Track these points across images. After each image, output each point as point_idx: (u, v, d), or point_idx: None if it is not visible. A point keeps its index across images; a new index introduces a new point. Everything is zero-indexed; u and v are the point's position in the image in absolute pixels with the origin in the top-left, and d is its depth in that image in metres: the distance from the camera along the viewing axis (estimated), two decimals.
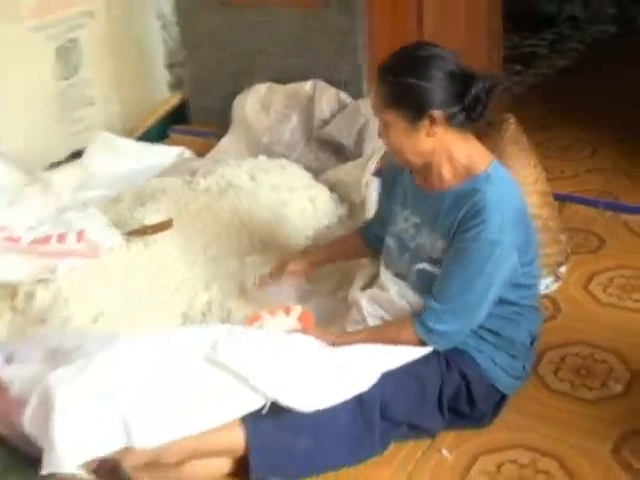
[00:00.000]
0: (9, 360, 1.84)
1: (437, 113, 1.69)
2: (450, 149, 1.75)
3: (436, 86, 1.68)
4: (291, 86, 3.17)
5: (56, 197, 2.69)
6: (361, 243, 2.16)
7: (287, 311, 1.90)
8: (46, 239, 2.30)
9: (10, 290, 2.20)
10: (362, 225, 2.24)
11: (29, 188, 2.68)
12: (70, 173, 2.94)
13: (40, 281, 2.18)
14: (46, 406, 1.51)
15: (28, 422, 1.54)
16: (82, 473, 1.51)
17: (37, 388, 1.55)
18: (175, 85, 3.85)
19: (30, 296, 2.16)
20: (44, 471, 1.48)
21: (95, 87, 3.52)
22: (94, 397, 1.54)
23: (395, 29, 3.09)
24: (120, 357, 1.63)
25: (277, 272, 2.18)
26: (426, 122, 1.70)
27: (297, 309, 1.91)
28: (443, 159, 1.76)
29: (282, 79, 3.23)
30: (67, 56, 3.38)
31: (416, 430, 1.79)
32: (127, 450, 1.53)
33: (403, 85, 1.69)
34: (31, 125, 3.15)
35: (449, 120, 1.71)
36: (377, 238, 2.04)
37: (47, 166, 3.07)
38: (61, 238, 2.30)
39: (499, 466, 1.73)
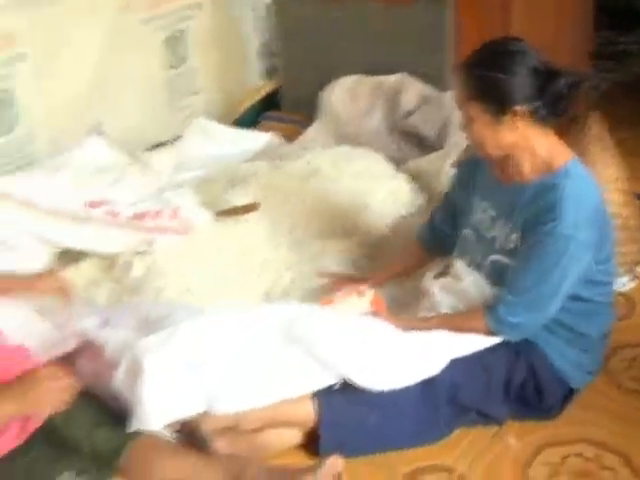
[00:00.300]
0: (105, 324, 1.93)
1: (520, 108, 1.66)
2: (531, 144, 1.72)
3: (520, 81, 1.66)
4: (377, 78, 3.16)
5: (155, 177, 2.76)
6: (422, 253, 2.13)
7: (360, 294, 1.91)
8: (144, 215, 2.39)
9: (109, 261, 2.30)
10: (419, 232, 2.17)
11: (131, 168, 2.77)
12: (168, 155, 3.02)
13: (137, 254, 2.27)
14: (135, 369, 1.58)
15: (118, 382, 1.61)
16: (166, 432, 1.59)
17: (128, 352, 1.62)
18: (268, 74, 3.90)
19: (127, 267, 2.24)
20: (131, 428, 1.56)
21: (200, 76, 3.61)
22: (180, 363, 1.60)
23: (481, 24, 3.02)
24: (206, 328, 1.68)
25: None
26: (509, 116, 1.68)
27: (369, 293, 1.91)
28: (523, 153, 1.73)
29: (370, 71, 3.22)
30: (175, 46, 3.46)
31: (482, 417, 1.77)
32: (208, 414, 1.59)
33: (488, 79, 1.67)
34: (139, 111, 3.25)
35: (532, 115, 1.68)
36: (443, 232, 2.03)
37: (148, 148, 3.17)
38: (157, 215, 2.38)
39: (563, 458, 1.69)
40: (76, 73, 2.99)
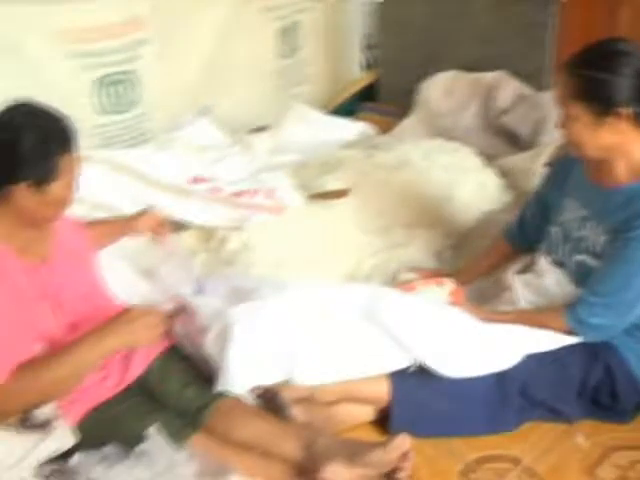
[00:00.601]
0: (199, 292, 2.00)
1: (624, 110, 1.60)
2: (630, 147, 1.66)
3: (625, 83, 1.60)
4: (475, 75, 3.12)
5: (254, 158, 2.83)
6: (507, 250, 2.09)
7: (439, 283, 1.90)
8: (242, 193, 2.45)
9: (207, 233, 2.37)
10: (507, 228, 2.13)
11: (233, 149, 2.85)
12: (268, 138, 3.08)
13: (233, 229, 2.34)
14: (225, 335, 1.64)
15: (209, 346, 1.67)
16: (248, 396, 1.64)
17: (219, 319, 1.68)
18: (368, 66, 3.90)
19: (223, 240, 2.31)
20: (217, 388, 1.62)
21: (308, 67, 3.65)
22: (266, 333, 1.65)
23: (587, 24, 2.91)
24: (293, 302, 1.72)
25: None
26: (611, 118, 1.62)
27: (449, 283, 1.90)
28: (621, 156, 1.67)
29: (468, 68, 3.18)
30: (288, 37, 3.52)
31: (553, 413, 1.74)
32: (287, 384, 1.63)
33: (593, 80, 1.61)
34: (247, 97, 3.32)
35: (635, 118, 1.62)
36: (531, 230, 1.98)
37: (250, 131, 3.24)
38: (254, 194, 2.44)
39: (633, 463, 1.64)
40: (192, 57, 3.09)
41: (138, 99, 2.91)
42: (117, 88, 2.84)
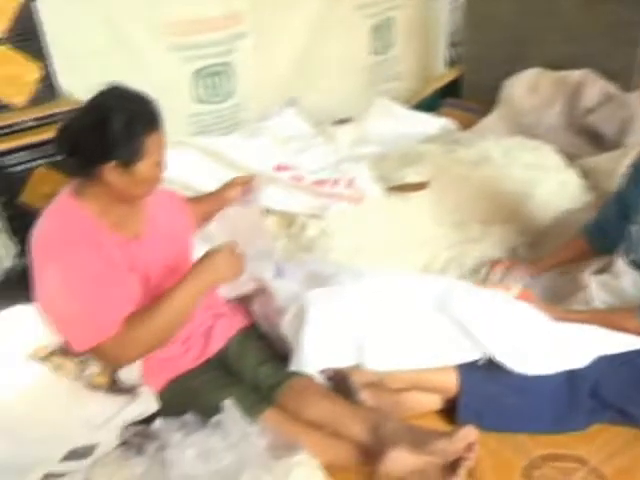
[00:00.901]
0: (278, 275, 2.03)
1: None
2: None
3: None
4: (560, 73, 3.01)
5: (336, 149, 2.83)
6: (585, 248, 2.01)
7: (506, 289, 1.85)
8: (323, 182, 2.46)
9: (288, 219, 2.39)
10: (586, 227, 2.05)
11: (316, 139, 2.86)
12: (350, 130, 3.08)
13: (313, 216, 2.35)
14: (301, 317, 1.66)
15: (285, 326, 1.70)
16: (319, 376, 1.65)
17: (296, 301, 1.70)
18: (452, 62, 3.83)
19: (303, 227, 2.33)
20: (291, 367, 1.64)
21: (401, 64, 3.62)
22: (340, 317, 1.65)
23: None
24: (368, 289, 1.72)
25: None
26: None
27: (515, 289, 1.84)
28: None
29: (554, 66, 3.07)
30: (381, 34, 3.49)
31: (623, 416, 1.66)
32: (358, 368, 1.63)
33: None
34: (336, 91, 3.33)
35: None
36: (611, 230, 1.90)
37: (334, 122, 3.25)
38: (335, 183, 2.44)
39: None
40: (287, 51, 3.12)
41: (233, 90, 2.96)
42: (214, 79, 2.90)
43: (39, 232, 1.55)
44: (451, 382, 1.65)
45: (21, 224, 2.25)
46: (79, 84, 2.22)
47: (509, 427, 1.65)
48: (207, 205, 1.96)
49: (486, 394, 1.63)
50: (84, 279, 1.50)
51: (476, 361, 1.63)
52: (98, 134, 1.47)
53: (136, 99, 1.53)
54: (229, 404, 1.55)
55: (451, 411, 1.67)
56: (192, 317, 1.63)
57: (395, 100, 3.44)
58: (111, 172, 1.51)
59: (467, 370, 1.64)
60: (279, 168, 2.44)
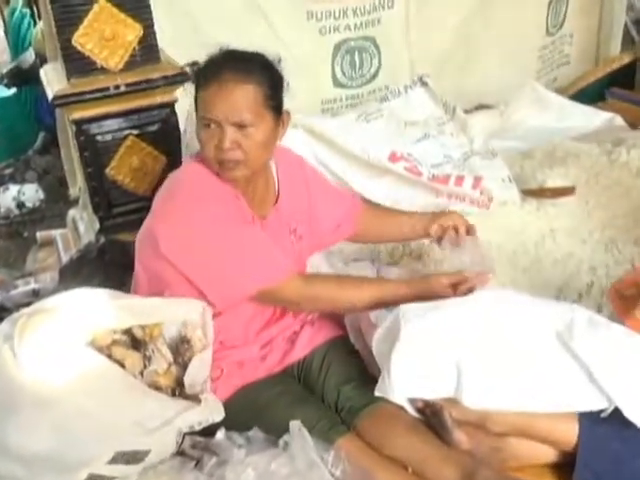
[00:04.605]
0: None
1: None
2: None
3: None
4: None
5: (468, 140, 2.78)
6: None
7: None
8: (445, 179, 2.43)
9: None
10: None
11: (445, 126, 2.81)
12: (489, 119, 3.02)
13: None
14: (394, 333, 1.63)
15: (376, 344, 1.68)
16: (407, 407, 1.63)
17: (391, 315, 1.68)
18: (627, 45, 3.65)
19: None
20: (375, 393, 1.63)
21: (572, 45, 3.51)
22: (440, 339, 1.61)
23: None
24: (478, 309, 1.66)
25: None
26: None
27: None
28: None
29: None
30: (556, 9, 3.40)
31: None
32: (455, 402, 1.59)
33: None
34: (498, 77, 3.26)
35: None
36: None
37: (471, 109, 3.18)
38: (459, 181, 2.41)
39: None
40: (443, 26, 3.09)
41: (377, 69, 2.97)
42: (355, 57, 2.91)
43: (178, 188, 1.70)
44: (570, 434, 1.59)
45: (105, 200, 2.39)
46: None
47: None
48: (412, 221, 2.01)
49: (610, 453, 1.55)
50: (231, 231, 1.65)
51: (600, 411, 1.54)
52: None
53: (226, 54, 1.65)
54: (297, 425, 1.57)
55: (564, 467, 1.60)
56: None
57: (555, 85, 3.33)
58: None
59: (590, 421, 1.56)
60: (393, 157, 2.42)
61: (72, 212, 2.81)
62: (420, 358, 1.60)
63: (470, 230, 1.93)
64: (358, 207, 2.04)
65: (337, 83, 2.93)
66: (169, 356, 1.66)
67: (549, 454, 1.64)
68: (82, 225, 2.62)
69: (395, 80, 2.97)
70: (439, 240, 1.93)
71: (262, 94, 1.63)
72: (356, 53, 2.90)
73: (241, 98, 1.60)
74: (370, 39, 2.90)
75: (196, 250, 1.65)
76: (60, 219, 3.25)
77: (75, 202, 2.82)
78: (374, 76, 2.98)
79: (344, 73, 2.92)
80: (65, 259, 2.57)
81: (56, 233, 3.01)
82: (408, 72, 3.02)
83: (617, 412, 1.53)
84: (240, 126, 1.61)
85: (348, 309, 1.83)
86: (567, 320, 1.62)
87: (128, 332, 1.65)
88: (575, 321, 1.62)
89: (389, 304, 1.71)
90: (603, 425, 1.55)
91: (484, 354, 1.60)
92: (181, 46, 2.43)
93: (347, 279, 1.86)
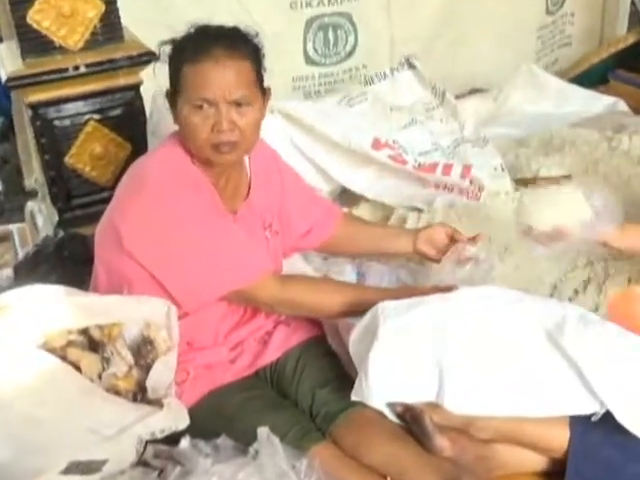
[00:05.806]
0: (359, 279, 2.04)
1: None
2: None
3: None
4: None
5: (458, 126, 2.78)
6: None
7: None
8: (432, 167, 2.43)
9: (384, 210, 2.41)
10: None
11: (434, 112, 2.81)
12: (482, 104, 3.03)
13: (413, 209, 2.33)
14: (372, 332, 1.63)
15: (352, 343, 1.68)
16: (386, 412, 1.63)
17: (369, 312, 1.68)
18: (635, 23, 3.66)
19: (401, 222, 2.33)
20: (352, 397, 1.63)
21: (574, 25, 3.52)
22: (419, 337, 1.61)
23: None
24: (462, 306, 1.66)
25: None
26: None
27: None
28: None
29: None
30: None
31: None
32: (436, 406, 1.59)
33: None
34: (492, 59, 3.28)
35: None
36: None
37: (463, 93, 3.18)
38: (447, 169, 2.41)
39: None
40: (428, 1, 3.10)
41: (353, 47, 2.98)
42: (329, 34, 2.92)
43: (148, 175, 1.68)
44: (560, 439, 1.59)
45: (64, 190, 2.38)
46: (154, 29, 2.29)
47: None
48: (387, 241, 2.01)
49: (602, 460, 1.57)
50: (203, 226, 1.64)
51: (591, 415, 1.55)
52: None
53: (207, 29, 1.63)
54: (265, 432, 1.57)
55: (553, 475, 1.62)
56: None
57: (555, 68, 3.34)
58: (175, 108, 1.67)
59: (581, 425, 1.57)
60: (376, 145, 2.42)
61: (30, 204, 2.80)
62: (400, 358, 1.60)
63: (459, 236, 1.91)
64: (335, 215, 2.03)
65: (309, 61, 2.94)
66: (129, 358, 1.66)
67: (538, 461, 1.65)
68: (40, 218, 2.61)
69: (374, 60, 2.98)
70: (439, 256, 1.92)
71: (254, 70, 1.65)
72: (330, 30, 2.91)
73: (238, 74, 1.61)
74: (345, 15, 2.91)
75: (166, 246, 1.64)
76: (20, 212, 3.23)
77: (35, 194, 2.82)
78: (349, 54, 2.99)
79: (316, 50, 2.92)
80: (21, 255, 2.56)
81: (13, 227, 3.01)
82: (388, 51, 3.03)
83: (608, 416, 1.53)
84: (237, 104, 1.61)
85: (326, 316, 1.83)
86: (557, 318, 1.63)
87: (85, 332, 1.65)
88: (566, 319, 1.62)
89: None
90: (594, 430, 1.56)
91: (468, 353, 1.61)
92: (144, 26, 2.42)
93: (326, 283, 1.87)
